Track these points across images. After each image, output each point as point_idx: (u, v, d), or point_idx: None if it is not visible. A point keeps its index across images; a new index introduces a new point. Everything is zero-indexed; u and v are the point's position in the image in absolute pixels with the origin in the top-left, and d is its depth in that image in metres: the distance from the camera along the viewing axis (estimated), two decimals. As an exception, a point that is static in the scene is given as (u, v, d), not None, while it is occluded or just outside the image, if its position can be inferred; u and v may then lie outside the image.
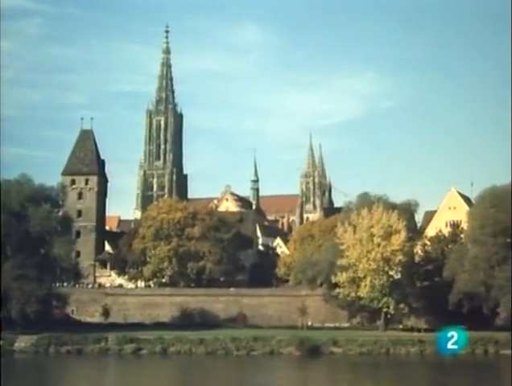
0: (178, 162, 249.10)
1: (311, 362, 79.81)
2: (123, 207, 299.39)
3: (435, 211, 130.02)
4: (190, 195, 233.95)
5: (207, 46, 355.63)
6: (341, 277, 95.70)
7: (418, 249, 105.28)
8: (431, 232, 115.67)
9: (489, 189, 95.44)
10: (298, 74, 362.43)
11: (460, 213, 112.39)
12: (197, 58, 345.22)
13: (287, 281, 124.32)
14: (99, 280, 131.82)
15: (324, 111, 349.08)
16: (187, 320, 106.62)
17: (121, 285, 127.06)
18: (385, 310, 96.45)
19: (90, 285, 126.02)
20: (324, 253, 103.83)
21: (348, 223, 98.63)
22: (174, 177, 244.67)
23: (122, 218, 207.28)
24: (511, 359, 73.81)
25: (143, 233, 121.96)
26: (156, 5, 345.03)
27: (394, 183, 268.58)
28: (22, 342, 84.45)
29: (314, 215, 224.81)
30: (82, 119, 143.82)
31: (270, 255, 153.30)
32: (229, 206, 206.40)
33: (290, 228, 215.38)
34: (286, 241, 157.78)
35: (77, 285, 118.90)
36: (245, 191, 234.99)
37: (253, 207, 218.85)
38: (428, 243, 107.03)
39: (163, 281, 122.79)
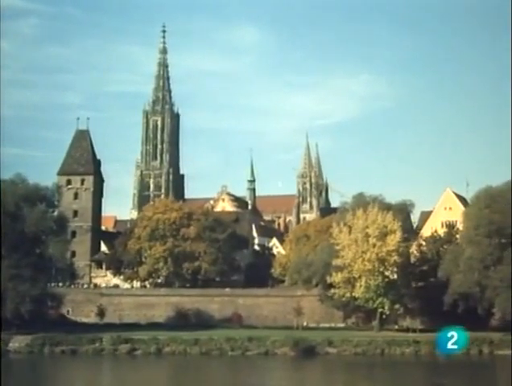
0: (175, 162, 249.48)
1: (306, 362, 79.68)
2: (120, 207, 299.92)
3: (431, 212, 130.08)
4: (187, 196, 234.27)
5: (204, 46, 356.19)
6: (336, 278, 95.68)
7: (413, 250, 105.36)
8: (426, 232, 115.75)
9: (484, 189, 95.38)
10: (294, 75, 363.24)
11: (456, 213, 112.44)
12: (194, 58, 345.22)
13: (283, 281, 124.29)
14: (95, 280, 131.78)
15: (320, 111, 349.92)
16: (183, 320, 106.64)
17: (117, 286, 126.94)
18: (380, 310, 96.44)
19: (86, 286, 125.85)
20: (319, 254, 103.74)
21: (343, 224, 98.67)
22: (170, 177, 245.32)
23: (119, 218, 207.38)
24: (511, 359, 73.63)
25: (139, 233, 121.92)
26: (153, 5, 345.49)
27: (391, 183, 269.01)
28: (17, 342, 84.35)
29: (311, 216, 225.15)
30: (78, 119, 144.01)
31: (265, 255, 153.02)
32: (226, 206, 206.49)
33: (286, 228, 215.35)
34: (282, 241, 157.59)
35: (73, 286, 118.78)
36: (242, 192, 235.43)
37: (249, 207, 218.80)
38: (424, 243, 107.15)
39: (159, 281, 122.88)
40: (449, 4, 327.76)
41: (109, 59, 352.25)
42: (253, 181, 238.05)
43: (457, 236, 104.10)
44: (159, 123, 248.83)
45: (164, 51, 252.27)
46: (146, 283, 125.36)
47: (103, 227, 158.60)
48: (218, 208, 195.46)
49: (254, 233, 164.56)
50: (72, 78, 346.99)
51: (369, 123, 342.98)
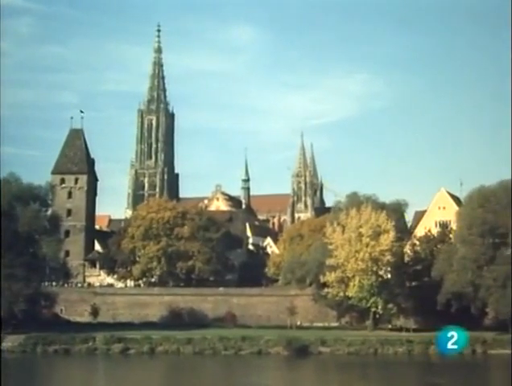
0: (169, 161, 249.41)
1: (299, 362, 79.65)
2: (114, 206, 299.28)
3: (426, 211, 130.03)
4: (181, 195, 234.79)
5: (199, 45, 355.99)
6: (330, 277, 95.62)
7: (407, 249, 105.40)
8: (420, 231, 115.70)
9: (477, 189, 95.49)
10: (290, 74, 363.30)
11: (450, 213, 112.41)
12: (189, 57, 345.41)
13: (277, 280, 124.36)
14: (88, 279, 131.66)
15: (316, 111, 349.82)
16: (176, 320, 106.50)
17: (111, 285, 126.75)
18: (373, 309, 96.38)
19: (79, 285, 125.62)
20: (312, 253, 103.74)
21: (336, 223, 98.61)
22: (165, 176, 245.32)
23: (114, 217, 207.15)
24: (511, 359, 73.72)
25: (132, 233, 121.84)
26: (149, 4, 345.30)
27: (386, 183, 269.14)
28: (10, 341, 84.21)
29: (305, 215, 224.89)
30: (72, 118, 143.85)
31: (260, 254, 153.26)
32: (220, 205, 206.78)
33: (281, 228, 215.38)
34: (276, 241, 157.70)
35: (66, 285, 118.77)
36: (237, 191, 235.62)
37: (243, 206, 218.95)
38: (417, 243, 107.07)
39: (153, 280, 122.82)
40: (447, 3, 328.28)
41: (104, 59, 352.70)
42: (247, 180, 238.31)
43: (451, 235, 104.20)
44: (154, 122, 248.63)
45: (159, 51, 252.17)
46: (140, 282, 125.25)
47: (97, 227, 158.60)
48: (212, 207, 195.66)
49: (248, 233, 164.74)
50: (68, 77, 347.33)
51: (365, 123, 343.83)
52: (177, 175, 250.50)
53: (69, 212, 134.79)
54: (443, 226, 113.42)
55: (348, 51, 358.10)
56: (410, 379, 68.56)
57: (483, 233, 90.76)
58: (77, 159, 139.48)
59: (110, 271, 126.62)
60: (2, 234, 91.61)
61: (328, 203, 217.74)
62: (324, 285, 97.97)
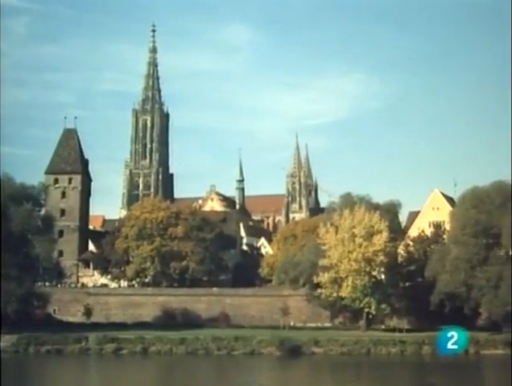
0: (164, 161, 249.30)
1: (292, 362, 79.66)
2: (109, 206, 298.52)
3: (420, 212, 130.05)
4: (176, 195, 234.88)
5: (194, 45, 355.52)
6: (323, 278, 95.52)
7: (400, 250, 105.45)
8: (414, 232, 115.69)
9: (470, 190, 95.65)
10: (286, 74, 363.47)
11: (444, 214, 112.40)
12: (184, 57, 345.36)
13: (271, 281, 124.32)
14: (82, 279, 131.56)
15: (311, 111, 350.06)
16: (170, 320, 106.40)
17: (106, 285, 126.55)
18: (366, 310, 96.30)
19: (73, 285, 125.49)
20: (306, 253, 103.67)
21: (330, 224, 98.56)
22: (160, 176, 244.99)
23: (109, 217, 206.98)
24: (511, 359, 73.77)
25: (126, 233, 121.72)
26: (143, 4, 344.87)
27: (381, 184, 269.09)
28: (2, 341, 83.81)
29: (300, 215, 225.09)
30: (65, 118, 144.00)
31: (254, 255, 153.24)
32: (214, 205, 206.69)
33: (276, 228, 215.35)
34: (270, 241, 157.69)
35: (60, 285, 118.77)
36: (232, 191, 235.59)
37: (237, 206, 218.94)
38: (411, 243, 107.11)
39: (146, 280, 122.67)
40: (445, 3, 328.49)
41: (99, 59, 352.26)
42: (242, 181, 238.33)
43: (444, 236, 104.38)
44: (149, 122, 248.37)
45: (154, 50, 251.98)
46: (134, 282, 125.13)
47: (91, 227, 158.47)
48: (207, 208, 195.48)
49: (243, 233, 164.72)
50: (63, 77, 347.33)
51: (360, 123, 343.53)
52: (172, 175, 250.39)
53: (63, 212, 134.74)
54: (437, 226, 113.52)
55: (345, 51, 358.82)
56: (403, 380, 68.61)
57: (476, 234, 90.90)
58: (71, 159, 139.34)
59: (104, 271, 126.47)
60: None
61: (323, 204, 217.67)
62: (318, 285, 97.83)
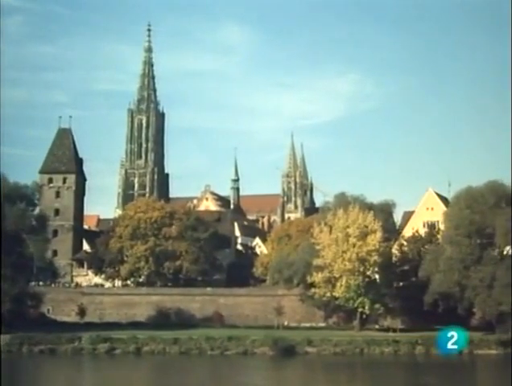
0: (159, 161, 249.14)
1: (285, 362, 79.63)
2: (104, 206, 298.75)
3: (414, 212, 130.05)
4: (171, 195, 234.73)
5: (190, 45, 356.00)
6: (317, 277, 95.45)
7: (395, 249, 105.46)
8: (408, 232, 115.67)
9: (464, 190, 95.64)
10: (281, 74, 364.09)
11: (438, 214, 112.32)
12: (180, 57, 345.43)
13: (265, 280, 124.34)
14: (76, 279, 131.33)
15: (307, 111, 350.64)
16: (164, 319, 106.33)
17: (101, 285, 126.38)
18: (360, 310, 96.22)
19: (67, 285, 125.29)
20: (300, 253, 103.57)
21: (324, 224, 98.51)
22: (155, 176, 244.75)
23: (104, 217, 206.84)
24: (511, 358, 73.84)
25: (120, 232, 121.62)
26: (139, 3, 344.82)
27: (377, 184, 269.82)
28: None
29: (295, 215, 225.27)
30: (60, 117, 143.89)
31: (248, 254, 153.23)
32: (209, 205, 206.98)
33: (271, 228, 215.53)
34: (265, 241, 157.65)
35: (54, 285, 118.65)
36: (227, 191, 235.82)
37: (232, 206, 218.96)
38: (405, 243, 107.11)
39: (140, 280, 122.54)
40: (440, 2, 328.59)
41: (94, 58, 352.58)
42: (237, 180, 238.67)
43: (438, 236, 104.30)
44: (144, 122, 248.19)
45: (149, 50, 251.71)
46: (128, 282, 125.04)
47: (86, 226, 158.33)
48: (202, 207, 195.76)
49: (237, 233, 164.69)
50: (58, 76, 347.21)
51: (356, 123, 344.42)
52: (167, 175, 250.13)
53: (57, 212, 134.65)
54: (431, 226, 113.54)
55: (340, 52, 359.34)
56: (396, 380, 68.33)
57: (470, 234, 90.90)
58: (65, 159, 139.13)
59: (98, 271, 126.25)
60: None
61: (318, 204, 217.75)
62: (312, 285, 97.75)
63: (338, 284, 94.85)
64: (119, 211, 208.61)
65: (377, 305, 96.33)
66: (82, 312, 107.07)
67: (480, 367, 76.93)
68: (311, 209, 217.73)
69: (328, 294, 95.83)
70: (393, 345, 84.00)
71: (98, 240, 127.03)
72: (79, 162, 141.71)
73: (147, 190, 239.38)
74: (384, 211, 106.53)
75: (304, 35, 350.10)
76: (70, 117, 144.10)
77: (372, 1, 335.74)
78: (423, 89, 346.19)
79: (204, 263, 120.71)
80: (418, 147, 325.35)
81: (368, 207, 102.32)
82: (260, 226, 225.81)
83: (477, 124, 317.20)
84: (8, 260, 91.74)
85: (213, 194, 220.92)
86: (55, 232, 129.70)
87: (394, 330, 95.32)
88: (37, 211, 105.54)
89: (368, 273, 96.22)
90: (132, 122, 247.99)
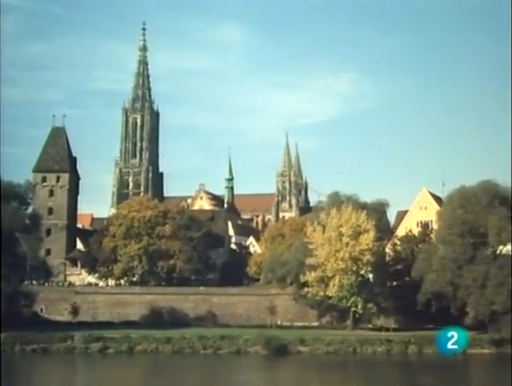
0: (154, 160, 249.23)
1: (278, 361, 79.63)
2: (99, 205, 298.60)
3: (408, 211, 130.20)
4: (166, 194, 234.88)
5: (185, 44, 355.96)
6: (310, 277, 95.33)
7: (388, 249, 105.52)
8: (401, 231, 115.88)
9: (457, 189, 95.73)
10: (277, 74, 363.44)
11: (431, 213, 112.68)
12: (175, 56, 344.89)
13: (258, 280, 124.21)
14: (69, 278, 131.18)
15: (302, 111, 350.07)
16: (157, 319, 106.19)
17: (96, 284, 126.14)
18: (353, 309, 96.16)
19: (60, 284, 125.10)
20: (293, 252, 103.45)
21: (317, 223, 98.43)
22: (150, 175, 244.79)
23: (99, 216, 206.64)
24: (511, 358, 73.89)
25: (114, 231, 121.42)
26: (134, 2, 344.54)
27: (372, 183, 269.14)
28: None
29: (290, 214, 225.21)
30: (54, 116, 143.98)
31: (242, 254, 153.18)
32: (203, 204, 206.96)
33: (265, 227, 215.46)
34: (259, 240, 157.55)
35: (47, 284, 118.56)
36: (222, 190, 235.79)
37: (225, 205, 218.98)
38: (398, 242, 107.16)
39: (134, 279, 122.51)
40: (431, 4, 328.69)
41: (89, 57, 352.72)
42: (231, 179, 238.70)
43: (432, 235, 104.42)
44: (139, 121, 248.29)
45: (144, 49, 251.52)
46: (122, 281, 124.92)
47: (79, 225, 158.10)
48: (196, 206, 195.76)
49: (231, 232, 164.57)
50: (53, 75, 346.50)
51: (351, 123, 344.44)
52: (162, 174, 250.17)
53: (51, 211, 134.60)
54: (425, 226, 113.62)
55: (336, 51, 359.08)
56: (390, 379, 68.32)
57: (463, 233, 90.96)
58: (59, 157, 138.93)
59: (91, 270, 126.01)
60: None
61: (313, 203, 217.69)
62: (305, 284, 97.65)
63: (331, 283, 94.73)
64: (114, 210, 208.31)
65: (370, 305, 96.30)
66: (75, 311, 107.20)
67: (473, 367, 76.84)
68: (305, 208, 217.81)
69: (321, 293, 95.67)
70: (386, 344, 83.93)
71: (92, 239, 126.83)
72: (72, 161, 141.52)
73: (142, 189, 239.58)
74: (377, 211, 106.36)
75: (301, 35, 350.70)
76: (64, 115, 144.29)
77: (370, 0, 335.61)
78: (419, 89, 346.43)
79: (198, 262, 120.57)
80: (412, 147, 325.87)
81: (361, 206, 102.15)
82: (254, 225, 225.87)
83: (474, 123, 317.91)
84: (1, 259, 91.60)
85: (208, 193, 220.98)
86: (49, 231, 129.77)
87: (387, 330, 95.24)
88: (30, 210, 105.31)
89: (361, 272, 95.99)
90: (127, 121, 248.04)
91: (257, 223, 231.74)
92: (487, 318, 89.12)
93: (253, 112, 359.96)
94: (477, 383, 68.64)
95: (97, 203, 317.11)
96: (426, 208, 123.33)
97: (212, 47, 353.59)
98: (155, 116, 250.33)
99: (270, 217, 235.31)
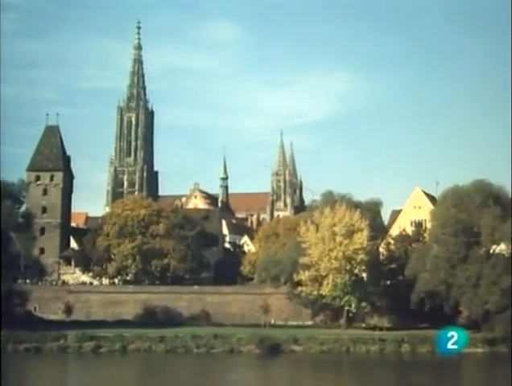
0: (149, 158, 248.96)
1: (271, 360, 79.65)
2: (94, 203, 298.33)
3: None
4: (161, 192, 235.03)
5: (180, 43, 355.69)
6: (303, 276, 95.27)
7: (382, 248, 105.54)
8: (395, 230, 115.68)
9: (450, 189, 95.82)
10: (271, 72, 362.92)
11: (425, 212, 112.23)
12: (170, 55, 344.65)
13: (252, 279, 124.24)
14: (63, 277, 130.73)
15: (297, 109, 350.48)
16: (151, 318, 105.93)
17: (91, 283, 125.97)
18: (347, 308, 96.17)
19: (54, 283, 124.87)
20: (287, 252, 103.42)
21: (310, 222, 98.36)
22: (144, 174, 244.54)
23: (93, 215, 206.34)
24: (511, 357, 73.99)
25: (107, 230, 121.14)
26: (129, 1, 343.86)
27: (366, 182, 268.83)
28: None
29: (285, 214, 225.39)
30: (47, 115, 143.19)
31: (236, 253, 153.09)
32: (198, 203, 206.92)
33: (260, 226, 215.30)
34: (253, 239, 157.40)
35: (41, 282, 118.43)
36: (217, 189, 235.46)
37: (219, 204, 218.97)
38: (392, 242, 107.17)
39: (128, 278, 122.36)
40: (426, 2, 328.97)
41: (83, 55, 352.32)
42: (225, 178, 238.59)
43: (425, 234, 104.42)
44: (134, 120, 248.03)
45: (139, 48, 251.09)
46: (116, 280, 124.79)
47: (74, 224, 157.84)
48: (190, 205, 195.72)
49: (226, 231, 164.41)
50: (47, 73, 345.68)
51: (346, 121, 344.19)
52: (156, 173, 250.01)
53: (44, 209, 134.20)
54: (418, 225, 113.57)
55: (331, 49, 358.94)
56: (382, 378, 68.34)
57: (456, 232, 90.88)
58: (53, 156, 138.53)
59: (85, 269, 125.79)
60: None
61: (308, 202, 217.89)
62: (298, 283, 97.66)
63: (325, 282, 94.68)
64: (108, 209, 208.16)
65: (363, 304, 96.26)
66: (69, 310, 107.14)
67: (466, 366, 76.84)
68: (300, 207, 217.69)
69: (315, 293, 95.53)
70: (379, 343, 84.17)
71: (85, 238, 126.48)
72: (66, 160, 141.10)
73: (137, 187, 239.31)
74: (371, 210, 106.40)
75: (295, 33, 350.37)
76: (57, 114, 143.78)
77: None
78: (414, 88, 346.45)
79: (192, 261, 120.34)
80: (407, 146, 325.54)
81: (355, 205, 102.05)
82: (249, 224, 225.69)
83: (470, 123, 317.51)
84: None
85: (202, 192, 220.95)
86: (43, 230, 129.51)
87: (381, 329, 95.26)
88: (23, 208, 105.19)
89: (355, 271, 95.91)
90: (121, 120, 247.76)
91: (251, 222, 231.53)
92: (480, 317, 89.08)
93: (247, 110, 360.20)
94: (471, 382, 68.72)
95: (91, 201, 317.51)
96: (420, 207, 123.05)
97: (207, 45, 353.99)
98: (150, 115, 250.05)
99: (265, 216, 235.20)
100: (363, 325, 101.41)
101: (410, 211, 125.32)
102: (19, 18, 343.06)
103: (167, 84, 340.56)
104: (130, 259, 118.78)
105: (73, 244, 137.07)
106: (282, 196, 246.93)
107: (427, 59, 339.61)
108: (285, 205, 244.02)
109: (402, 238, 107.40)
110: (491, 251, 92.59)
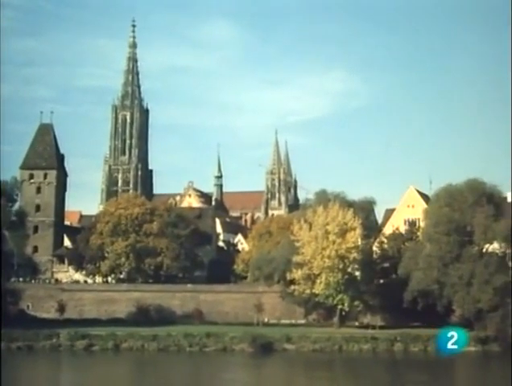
0: (143, 157, 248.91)
1: (263, 359, 79.66)
2: (88, 202, 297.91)
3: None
4: (155, 191, 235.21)
5: (175, 41, 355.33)
6: (297, 274, 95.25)
7: (375, 247, 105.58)
8: (389, 229, 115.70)
9: (444, 188, 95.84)
10: (267, 71, 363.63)
11: (419, 211, 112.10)
12: (165, 53, 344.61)
13: (246, 277, 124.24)
14: (57, 275, 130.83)
15: (292, 108, 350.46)
16: (144, 316, 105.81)
17: (85, 281, 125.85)
18: (340, 307, 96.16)
19: (47, 281, 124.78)
20: (280, 250, 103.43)
21: (304, 221, 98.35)
22: (139, 172, 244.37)
23: (87, 213, 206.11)
24: (511, 356, 73.96)
25: (101, 229, 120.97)
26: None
27: (360, 181, 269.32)
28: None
29: (279, 212, 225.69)
30: (41, 113, 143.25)
31: (230, 251, 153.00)
32: (192, 202, 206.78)
33: (255, 225, 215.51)
34: (247, 238, 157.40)
35: (34, 281, 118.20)
36: (211, 188, 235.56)
37: (213, 202, 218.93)
38: (385, 240, 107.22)
39: (121, 276, 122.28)
40: (422, 2, 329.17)
41: (78, 53, 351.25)
42: (220, 177, 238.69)
43: (418, 233, 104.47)
44: (128, 118, 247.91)
45: (134, 46, 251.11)
46: (109, 278, 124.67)
47: (67, 222, 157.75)
48: (184, 204, 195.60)
49: (219, 229, 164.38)
50: (41, 71, 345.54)
51: (341, 120, 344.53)
52: (151, 171, 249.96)
53: (38, 208, 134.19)
54: (412, 224, 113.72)
55: (326, 49, 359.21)
56: (375, 376, 68.39)
57: (449, 231, 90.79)
58: (46, 154, 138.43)
59: (78, 267, 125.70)
60: None
61: (302, 201, 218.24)
62: (291, 282, 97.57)
63: (318, 281, 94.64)
64: (102, 208, 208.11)
65: (356, 303, 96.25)
66: (62, 308, 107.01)
67: (459, 364, 76.67)
68: (294, 206, 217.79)
69: (308, 291, 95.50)
70: (371, 342, 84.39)
71: (79, 237, 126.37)
72: (60, 158, 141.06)
73: (131, 186, 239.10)
74: (365, 209, 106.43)
75: (291, 32, 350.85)
76: (51, 112, 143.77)
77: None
78: (409, 88, 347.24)
79: (185, 260, 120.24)
80: (401, 145, 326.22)
81: (348, 204, 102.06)
82: (244, 223, 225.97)
83: (467, 122, 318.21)
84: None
85: (196, 190, 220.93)
86: (36, 228, 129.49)
87: (374, 327, 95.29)
88: (16, 206, 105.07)
89: (348, 270, 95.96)
90: (116, 118, 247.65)
91: (246, 220, 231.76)
92: (473, 315, 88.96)
93: (242, 109, 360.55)
94: (464, 380, 68.92)
95: (86, 200, 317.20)
96: (413, 206, 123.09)
97: (202, 43, 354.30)
98: (145, 113, 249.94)
99: (260, 215, 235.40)
100: (356, 323, 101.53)
101: (404, 210, 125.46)
102: (15, 17, 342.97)
103: (161, 82, 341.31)
104: (124, 257, 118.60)
105: (67, 242, 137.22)
106: (277, 195, 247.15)
107: (422, 59, 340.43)
108: (279, 204, 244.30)
109: (396, 237, 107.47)
110: (484, 250, 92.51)
